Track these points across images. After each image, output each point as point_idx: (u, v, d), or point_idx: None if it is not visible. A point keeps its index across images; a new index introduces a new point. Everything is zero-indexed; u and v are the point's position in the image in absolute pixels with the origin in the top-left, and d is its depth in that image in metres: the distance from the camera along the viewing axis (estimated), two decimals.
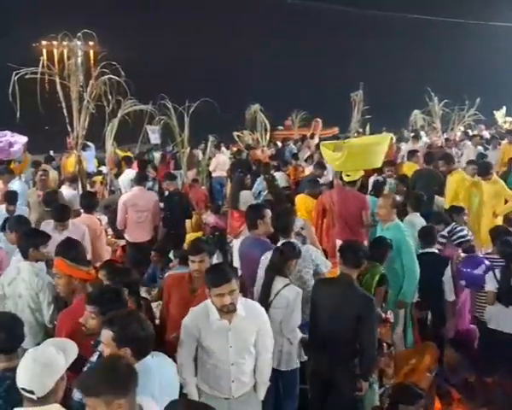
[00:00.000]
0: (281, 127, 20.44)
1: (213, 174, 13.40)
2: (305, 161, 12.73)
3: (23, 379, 2.76)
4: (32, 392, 2.73)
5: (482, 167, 8.39)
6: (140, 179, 8.26)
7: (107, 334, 2.99)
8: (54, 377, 2.80)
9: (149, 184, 9.45)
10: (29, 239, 4.82)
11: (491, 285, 5.35)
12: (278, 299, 4.38)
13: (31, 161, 10.97)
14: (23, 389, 2.74)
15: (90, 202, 7.01)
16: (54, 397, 2.82)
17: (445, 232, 6.27)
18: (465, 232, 6.14)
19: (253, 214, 5.40)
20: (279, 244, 4.94)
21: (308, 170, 11.23)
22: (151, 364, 3.03)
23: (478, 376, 4.78)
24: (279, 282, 4.44)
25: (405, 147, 13.85)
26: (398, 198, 6.24)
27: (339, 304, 4.17)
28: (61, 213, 6.08)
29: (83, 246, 4.89)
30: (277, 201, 7.82)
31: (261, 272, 4.75)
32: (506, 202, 7.99)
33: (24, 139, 9.42)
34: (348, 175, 7.11)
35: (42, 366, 2.78)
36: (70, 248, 4.39)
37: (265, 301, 4.38)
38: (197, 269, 4.23)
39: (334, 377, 4.28)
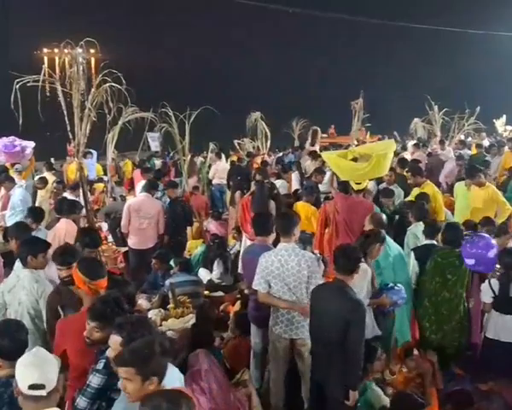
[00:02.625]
0: (325, 135, 20.58)
1: (213, 181, 13.44)
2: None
3: (32, 376, 2.74)
4: (42, 386, 2.73)
5: (468, 170, 8.41)
6: (149, 187, 8.30)
7: (115, 339, 2.99)
8: (56, 371, 2.83)
9: (159, 193, 9.46)
10: (27, 247, 4.83)
11: (486, 297, 5.33)
12: None
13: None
14: (33, 386, 2.72)
15: (70, 208, 6.90)
16: (55, 397, 2.83)
17: None
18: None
19: (268, 222, 5.42)
20: (279, 247, 4.95)
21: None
22: None
23: (476, 384, 4.76)
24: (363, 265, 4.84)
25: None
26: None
27: (330, 308, 4.26)
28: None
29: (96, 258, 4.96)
30: (278, 208, 7.84)
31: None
32: None
33: (32, 144, 10.12)
34: (358, 183, 7.12)
35: (45, 361, 2.83)
36: (85, 259, 4.44)
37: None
38: None
39: (327, 380, 4.34)
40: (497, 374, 4.82)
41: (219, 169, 13.30)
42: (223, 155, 14.77)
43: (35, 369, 2.76)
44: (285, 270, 4.77)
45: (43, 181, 10.24)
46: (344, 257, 4.35)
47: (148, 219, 7.89)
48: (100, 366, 3.28)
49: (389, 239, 5.80)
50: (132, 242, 8.01)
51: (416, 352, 5.00)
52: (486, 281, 5.35)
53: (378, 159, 6.89)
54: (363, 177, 7.12)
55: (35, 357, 2.81)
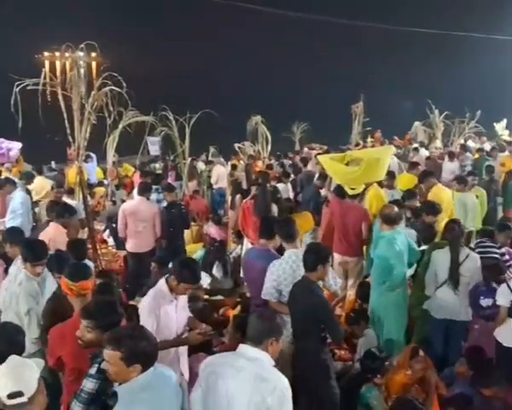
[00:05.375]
0: (371, 139, 20.57)
1: (214, 186, 13.45)
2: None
3: (5, 385, 2.65)
4: (20, 393, 2.64)
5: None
6: (143, 190, 8.26)
7: (114, 355, 2.91)
8: (34, 374, 2.74)
9: (160, 196, 9.44)
10: (22, 250, 4.80)
11: (503, 300, 4.94)
12: (463, 267, 5.41)
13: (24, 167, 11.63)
14: (10, 395, 2.63)
15: (59, 212, 6.71)
16: (41, 398, 2.75)
17: (472, 244, 6.14)
18: (492, 249, 5.75)
19: (272, 226, 5.38)
20: (288, 253, 4.91)
21: None
22: (154, 375, 3.01)
23: (479, 389, 4.70)
24: (462, 254, 5.44)
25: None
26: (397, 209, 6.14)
27: (299, 305, 4.49)
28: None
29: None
30: (280, 212, 7.83)
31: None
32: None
33: (19, 145, 10.83)
34: (353, 188, 7.06)
35: (18, 366, 2.74)
36: (62, 263, 4.43)
37: (456, 272, 5.40)
38: None
39: (305, 368, 4.53)
40: (507, 381, 4.73)
41: (221, 173, 13.33)
42: (223, 160, 14.90)
43: (7, 378, 2.67)
44: (297, 275, 4.76)
45: (28, 176, 10.24)
46: (311, 254, 4.50)
47: (144, 223, 7.87)
48: (93, 370, 3.25)
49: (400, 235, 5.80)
50: (130, 245, 8.00)
51: (421, 353, 4.96)
52: (504, 284, 5.00)
53: (369, 163, 6.82)
54: (355, 181, 7.06)
55: (6, 367, 2.72)
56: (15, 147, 10.68)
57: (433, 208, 6.78)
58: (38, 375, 2.78)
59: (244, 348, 3.23)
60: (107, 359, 2.95)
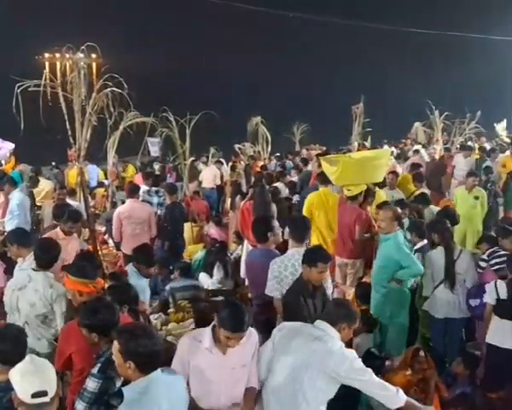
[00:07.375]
0: (404, 141, 20.78)
1: (202, 186, 13.55)
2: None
3: (32, 384, 2.67)
4: (45, 393, 2.66)
5: None
6: (132, 191, 8.23)
7: (116, 345, 3.01)
8: (55, 375, 2.78)
9: (161, 199, 9.45)
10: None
11: (489, 298, 5.15)
12: (457, 266, 5.61)
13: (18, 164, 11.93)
14: (36, 394, 2.65)
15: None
16: (57, 400, 2.78)
17: (485, 256, 6.08)
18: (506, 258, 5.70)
19: (263, 227, 5.39)
20: (292, 252, 4.95)
21: None
22: (160, 378, 3.00)
23: (481, 391, 4.70)
24: (455, 252, 5.66)
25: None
26: (400, 210, 6.13)
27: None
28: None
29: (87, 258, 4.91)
30: (280, 212, 7.83)
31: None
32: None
33: (10, 146, 11.16)
34: (349, 190, 7.07)
35: (43, 366, 2.77)
36: (73, 262, 4.41)
37: (452, 271, 5.58)
38: None
39: None
40: (504, 381, 4.74)
41: (207, 174, 13.50)
42: (222, 160, 14.96)
43: (34, 376, 2.70)
44: (299, 274, 4.76)
45: (33, 180, 10.25)
46: (308, 253, 4.60)
47: (141, 224, 7.87)
48: (95, 370, 3.28)
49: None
50: (127, 248, 7.95)
51: (422, 353, 4.97)
52: (492, 282, 5.19)
53: (344, 164, 6.83)
54: (337, 181, 7.14)
55: (32, 365, 2.75)
56: (6, 147, 10.89)
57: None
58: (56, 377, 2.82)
59: (322, 324, 3.63)
60: (112, 348, 3.03)
